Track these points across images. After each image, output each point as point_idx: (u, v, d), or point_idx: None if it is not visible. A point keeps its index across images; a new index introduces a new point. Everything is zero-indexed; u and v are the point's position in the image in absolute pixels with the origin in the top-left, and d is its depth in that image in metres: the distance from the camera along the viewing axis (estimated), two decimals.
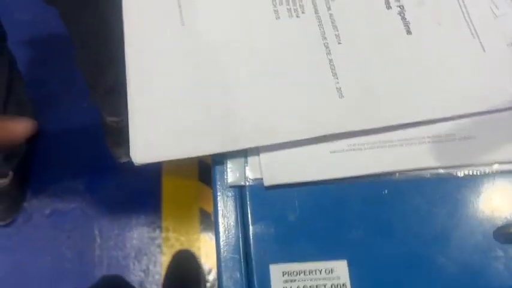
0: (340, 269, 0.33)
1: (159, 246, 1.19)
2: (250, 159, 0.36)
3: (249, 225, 0.34)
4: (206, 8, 0.41)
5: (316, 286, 0.33)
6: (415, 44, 0.39)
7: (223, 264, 0.34)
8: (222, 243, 0.34)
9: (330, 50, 0.39)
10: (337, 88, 0.38)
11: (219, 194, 0.36)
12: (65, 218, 1.20)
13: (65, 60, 1.32)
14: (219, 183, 0.36)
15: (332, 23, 0.40)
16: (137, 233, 1.20)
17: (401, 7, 0.41)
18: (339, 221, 0.34)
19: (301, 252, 0.33)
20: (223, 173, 0.36)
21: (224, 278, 0.33)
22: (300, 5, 0.41)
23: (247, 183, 0.35)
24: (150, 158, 0.36)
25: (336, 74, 0.38)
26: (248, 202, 0.35)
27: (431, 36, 0.40)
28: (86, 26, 0.92)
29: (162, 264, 1.17)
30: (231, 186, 0.36)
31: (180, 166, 1.26)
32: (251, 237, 0.34)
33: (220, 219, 0.35)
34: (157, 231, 1.20)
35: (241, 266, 0.33)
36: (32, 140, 1.21)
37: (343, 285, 0.33)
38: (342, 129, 0.36)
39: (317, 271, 0.33)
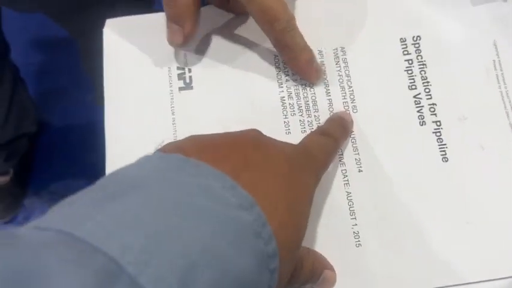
0: None
1: None
2: None
3: None
4: (202, 115, 0.34)
5: None
6: (453, 175, 0.33)
7: None
8: None
9: (348, 180, 0.33)
10: (354, 233, 0.32)
11: None
12: None
13: (67, 53, 1.26)
14: None
15: (353, 143, 0.34)
16: None
17: (438, 123, 0.34)
18: None
19: None
20: None
21: None
22: (315, 116, 0.34)
23: None
24: None
25: (354, 212, 0.32)
26: None
27: (472, 165, 0.33)
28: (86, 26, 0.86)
29: None
30: None
31: None
32: None
33: None
34: None
35: None
36: (34, 137, 1.16)
37: None
38: None
39: None
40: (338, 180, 0.33)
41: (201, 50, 0.36)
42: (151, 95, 0.35)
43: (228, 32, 0.36)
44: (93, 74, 1.01)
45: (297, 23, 0.33)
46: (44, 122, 1.20)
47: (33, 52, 1.25)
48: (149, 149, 0.33)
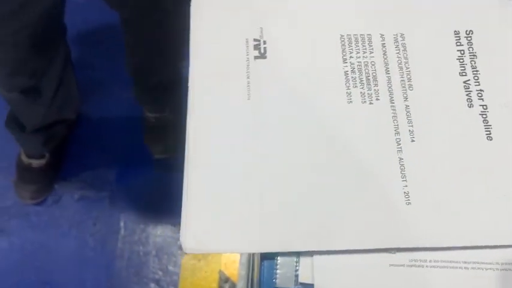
0: None
1: (181, 247, 1.18)
2: (303, 259, 0.34)
3: None
4: (274, 82, 0.39)
5: None
6: (496, 152, 0.36)
7: None
8: None
9: (401, 148, 0.36)
10: (404, 193, 0.35)
11: None
12: (93, 205, 1.21)
13: (114, 49, 1.32)
14: (266, 281, 0.34)
15: (407, 116, 0.37)
16: (161, 231, 1.20)
17: (485, 107, 0.38)
18: None
19: None
20: (272, 270, 0.34)
21: None
22: (375, 90, 0.38)
23: (297, 286, 0.34)
24: (201, 248, 0.34)
25: (405, 176, 0.36)
26: None
27: None
28: (145, 34, 0.91)
29: (181, 266, 1.17)
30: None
31: None
32: None
33: None
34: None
35: None
36: (72, 125, 1.21)
37: None
38: (404, 244, 0.34)
39: None
40: (392, 147, 0.36)
41: (276, 24, 0.40)
42: (230, 59, 0.39)
43: (300, 11, 0.41)
44: (135, 76, 1.07)
45: (366, 8, 0.38)
46: (84, 111, 1.25)
47: (76, 45, 1.31)
48: (229, 101, 0.37)
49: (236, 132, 0.37)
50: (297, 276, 0.34)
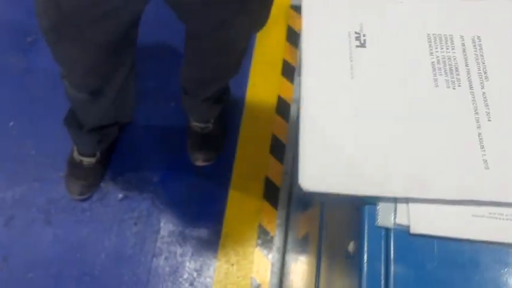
0: None
1: (216, 251, 1.24)
2: (400, 205, 0.41)
3: (391, 263, 0.39)
4: (372, 66, 0.47)
5: None
6: None
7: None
8: (364, 275, 0.39)
9: (480, 125, 0.44)
10: (483, 160, 0.43)
11: (366, 232, 0.41)
12: (135, 205, 1.28)
13: (166, 60, 1.42)
14: (367, 222, 0.41)
15: (484, 101, 0.45)
16: (198, 234, 1.26)
17: None
18: (471, 280, 0.39)
19: None
20: (373, 213, 0.41)
21: None
22: (457, 78, 0.46)
23: (394, 227, 0.41)
24: (317, 187, 0.41)
25: (483, 147, 0.43)
26: (392, 244, 0.40)
27: None
28: (208, 48, 0.97)
29: (215, 269, 1.22)
30: (379, 227, 0.41)
31: (247, 181, 1.32)
32: (392, 275, 0.39)
33: (365, 255, 0.40)
34: (217, 236, 1.26)
35: None
36: (123, 128, 1.30)
37: None
38: (485, 198, 0.41)
39: None
40: (472, 124, 0.44)
41: (373, 21, 0.49)
42: (336, 47, 0.48)
43: (393, 11, 0.49)
44: (189, 86, 1.15)
45: (448, 12, 0.47)
46: (133, 116, 1.33)
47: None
48: (335, 77, 0.46)
49: (340, 96, 0.45)
50: (395, 218, 0.41)
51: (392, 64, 0.47)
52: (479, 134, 0.44)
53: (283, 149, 1.37)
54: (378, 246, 0.40)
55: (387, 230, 0.41)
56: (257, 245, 1.25)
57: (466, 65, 0.47)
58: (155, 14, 1.01)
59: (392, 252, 0.40)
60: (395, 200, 0.41)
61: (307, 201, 1.00)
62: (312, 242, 0.85)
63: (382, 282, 0.39)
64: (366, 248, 0.40)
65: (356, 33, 0.49)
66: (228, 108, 1.38)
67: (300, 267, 1.05)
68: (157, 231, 1.25)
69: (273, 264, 1.24)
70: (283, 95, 1.44)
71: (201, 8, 0.83)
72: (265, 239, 1.26)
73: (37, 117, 1.39)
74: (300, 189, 0.41)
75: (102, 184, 1.30)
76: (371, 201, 0.42)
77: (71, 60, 0.92)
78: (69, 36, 0.83)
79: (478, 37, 0.48)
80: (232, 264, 1.23)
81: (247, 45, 1.03)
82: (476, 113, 0.45)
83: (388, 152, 0.42)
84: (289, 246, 1.24)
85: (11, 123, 1.38)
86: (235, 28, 0.89)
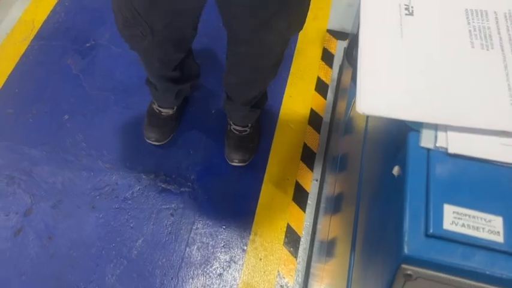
0: (497, 222, 0.45)
1: (245, 245, 1.31)
2: (439, 132, 0.49)
3: (431, 179, 0.47)
4: (419, 30, 0.56)
5: (477, 227, 0.45)
6: None
7: (409, 200, 0.46)
8: (409, 186, 0.47)
9: (508, 72, 0.53)
10: (510, 97, 0.51)
11: (411, 150, 0.49)
12: (174, 197, 1.37)
13: (206, 68, 1.54)
14: (412, 144, 0.49)
15: None
16: (229, 229, 1.33)
17: None
18: (501, 198, 0.46)
19: (469, 203, 0.46)
20: (416, 136, 0.50)
21: (408, 212, 0.46)
22: (490, 42, 0.55)
23: (435, 148, 0.49)
24: (372, 110, 0.50)
25: (510, 89, 0.52)
26: (434, 161, 0.48)
27: None
28: (252, 54, 1.05)
29: (243, 264, 1.29)
30: (422, 148, 0.49)
31: (278, 184, 1.40)
32: (432, 185, 0.47)
33: (411, 170, 0.48)
34: (247, 232, 1.33)
35: (425, 203, 0.46)
36: (194, 86, 1.50)
37: (497, 232, 0.44)
38: (511, 129, 0.49)
39: (478, 218, 0.45)
40: (501, 73, 0.53)
41: None
42: (388, 16, 0.57)
43: None
44: (231, 91, 1.28)
45: None
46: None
47: None
48: (387, 36, 0.55)
49: (392, 44, 0.55)
50: (435, 142, 0.49)
51: (435, 28, 0.56)
52: (508, 80, 0.52)
53: (314, 157, 1.45)
54: (421, 165, 0.48)
55: (429, 150, 0.49)
56: (284, 243, 1.32)
57: (499, 33, 0.56)
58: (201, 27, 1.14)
59: (432, 169, 0.48)
60: (435, 128, 0.50)
61: (336, 204, 1.08)
62: (340, 243, 0.92)
63: (424, 196, 0.47)
64: (410, 167, 0.48)
65: (405, 4, 0.58)
66: (265, 115, 1.48)
67: (325, 269, 1.10)
68: (192, 223, 1.33)
69: (299, 263, 1.30)
70: (315, 108, 1.54)
71: (242, 10, 0.90)
72: (292, 238, 1.32)
73: (89, 113, 1.51)
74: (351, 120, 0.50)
75: (143, 175, 1.39)
76: (415, 127, 0.50)
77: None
78: (138, 31, 0.97)
79: (510, 11, 0.58)
80: (260, 259, 1.30)
81: (284, 49, 1.09)
82: (506, 68, 0.53)
83: (434, 88, 0.51)
84: (316, 248, 1.30)
85: (66, 117, 1.50)
86: (274, 30, 0.95)
